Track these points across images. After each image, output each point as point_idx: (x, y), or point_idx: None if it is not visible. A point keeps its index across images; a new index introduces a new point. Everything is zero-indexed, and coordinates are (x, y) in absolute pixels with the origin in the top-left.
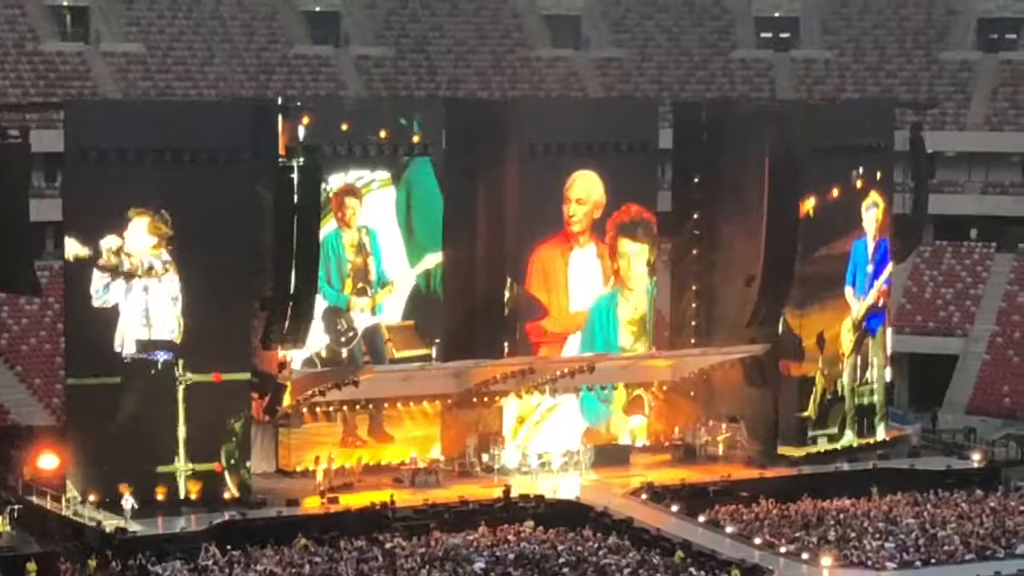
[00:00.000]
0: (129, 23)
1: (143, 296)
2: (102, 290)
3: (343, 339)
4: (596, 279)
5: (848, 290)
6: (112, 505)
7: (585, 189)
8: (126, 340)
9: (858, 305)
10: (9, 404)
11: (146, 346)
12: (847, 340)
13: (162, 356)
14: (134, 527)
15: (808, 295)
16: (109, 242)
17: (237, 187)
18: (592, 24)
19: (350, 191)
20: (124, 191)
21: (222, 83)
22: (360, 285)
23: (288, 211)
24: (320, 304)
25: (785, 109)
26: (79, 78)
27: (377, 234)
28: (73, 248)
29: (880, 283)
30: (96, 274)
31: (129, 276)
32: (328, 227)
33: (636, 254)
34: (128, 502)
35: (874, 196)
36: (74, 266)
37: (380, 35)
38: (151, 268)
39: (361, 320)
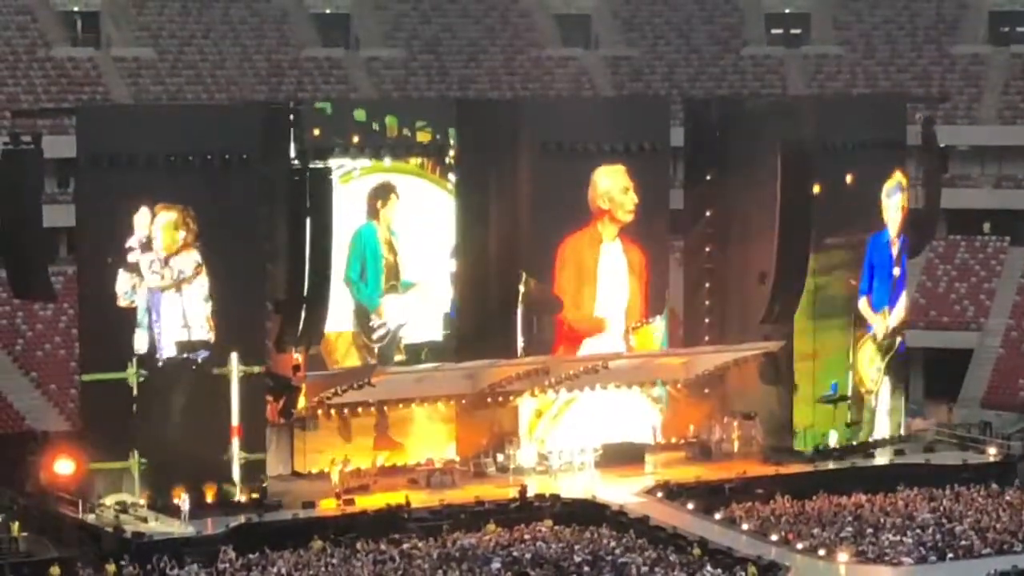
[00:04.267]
0: (140, 28)
1: (178, 298)
2: (130, 291)
3: (374, 336)
4: (622, 278)
5: (863, 302)
6: (164, 508)
7: (624, 180)
8: (162, 342)
9: (880, 322)
10: (24, 409)
11: (185, 347)
12: (871, 370)
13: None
14: (190, 529)
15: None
16: (134, 241)
17: (249, 190)
18: (602, 23)
19: (391, 189)
20: (138, 193)
21: (233, 87)
22: (392, 283)
23: (301, 214)
24: (349, 300)
25: (797, 105)
26: (90, 83)
27: (398, 236)
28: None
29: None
30: (121, 274)
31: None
32: (358, 220)
33: None
34: (185, 504)
35: (899, 177)
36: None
37: (390, 37)
38: (180, 273)
39: (394, 318)
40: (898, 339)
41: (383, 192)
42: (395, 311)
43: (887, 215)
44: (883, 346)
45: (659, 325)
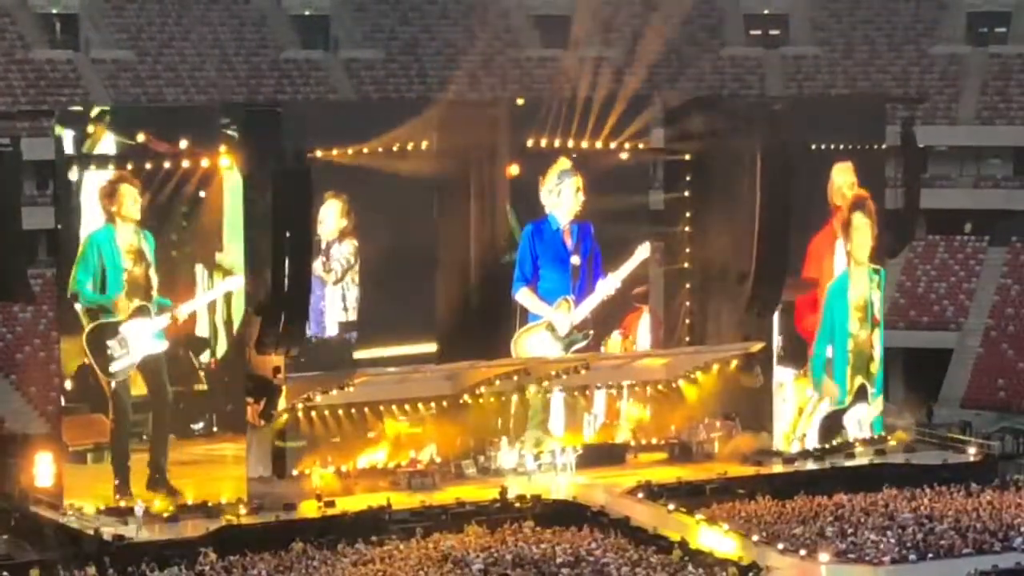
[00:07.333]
0: (119, 30)
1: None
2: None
3: (111, 368)
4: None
5: (523, 292)
6: (122, 512)
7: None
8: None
9: (558, 313)
10: (4, 412)
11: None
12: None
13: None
14: (145, 535)
15: None
16: None
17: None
18: (581, 24)
19: (127, 178)
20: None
21: (212, 88)
22: (138, 302)
23: (282, 214)
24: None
25: (776, 106)
26: (69, 85)
27: (156, 241)
28: None
29: (607, 287)
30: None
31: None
32: (95, 223)
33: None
34: (140, 509)
35: (563, 164)
36: None
37: (370, 38)
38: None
39: (139, 344)
40: (590, 331)
41: (111, 188)
42: (142, 339)
43: (550, 203)
44: (563, 340)
45: None
